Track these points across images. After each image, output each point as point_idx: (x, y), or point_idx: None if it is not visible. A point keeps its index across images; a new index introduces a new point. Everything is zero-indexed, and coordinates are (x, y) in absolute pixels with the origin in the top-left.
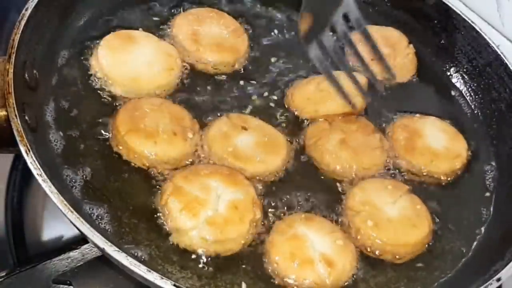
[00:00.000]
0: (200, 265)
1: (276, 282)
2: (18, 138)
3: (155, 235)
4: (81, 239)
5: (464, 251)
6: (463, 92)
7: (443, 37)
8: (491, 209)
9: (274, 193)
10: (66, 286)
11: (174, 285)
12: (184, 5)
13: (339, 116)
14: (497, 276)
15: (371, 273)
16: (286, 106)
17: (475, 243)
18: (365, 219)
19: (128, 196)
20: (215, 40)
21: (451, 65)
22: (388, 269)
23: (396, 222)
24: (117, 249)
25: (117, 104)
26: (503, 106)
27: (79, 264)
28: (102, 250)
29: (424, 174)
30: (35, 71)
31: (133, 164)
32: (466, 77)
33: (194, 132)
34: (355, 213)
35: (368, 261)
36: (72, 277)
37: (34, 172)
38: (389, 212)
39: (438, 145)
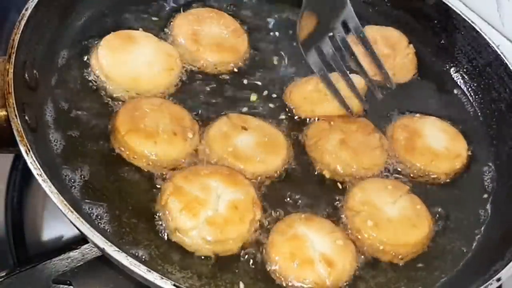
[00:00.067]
0: (200, 265)
1: (276, 282)
2: (18, 138)
3: (155, 235)
4: (81, 239)
5: (464, 251)
6: (463, 92)
7: (443, 37)
8: (491, 209)
9: (274, 193)
10: (66, 286)
11: (174, 285)
12: (184, 5)
13: (336, 117)
14: (497, 276)
15: (371, 273)
16: (284, 102)
17: (475, 243)
18: (365, 219)
19: (128, 196)
20: (215, 40)
21: (451, 65)
22: (388, 269)
23: (396, 222)
24: (117, 249)
25: (117, 104)
26: (503, 106)
27: (79, 264)
28: (102, 250)
29: (424, 174)
30: (35, 71)
31: (133, 164)
32: (466, 77)
33: (194, 132)
34: (355, 213)
35: (368, 261)
36: (72, 277)
37: (34, 172)
38: (389, 212)
39: (438, 145)
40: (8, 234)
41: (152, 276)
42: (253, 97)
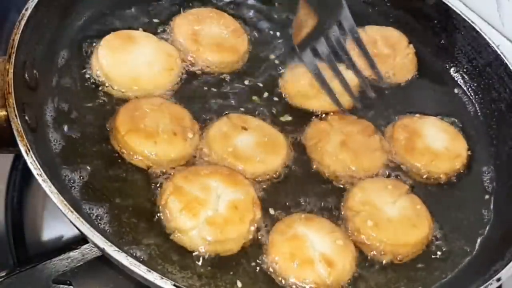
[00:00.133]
0: (200, 265)
1: (276, 282)
2: (18, 138)
3: (155, 235)
4: (81, 239)
5: (464, 251)
6: (463, 92)
7: (443, 37)
8: (491, 209)
9: (274, 193)
10: (66, 286)
11: (174, 285)
12: (184, 5)
13: (337, 117)
14: (497, 276)
15: (371, 273)
16: (284, 102)
17: (475, 243)
18: (365, 219)
19: (128, 196)
20: (215, 40)
21: (451, 65)
22: (388, 269)
23: (396, 222)
24: (117, 249)
25: (117, 104)
26: (503, 106)
27: (79, 264)
28: (102, 250)
29: (424, 174)
30: (35, 71)
31: (133, 164)
32: (466, 77)
33: (194, 132)
34: (355, 213)
35: (368, 261)
36: (72, 277)
37: (34, 172)
38: (389, 212)
39: (438, 145)
40: (8, 234)
41: (152, 276)
42: (253, 97)
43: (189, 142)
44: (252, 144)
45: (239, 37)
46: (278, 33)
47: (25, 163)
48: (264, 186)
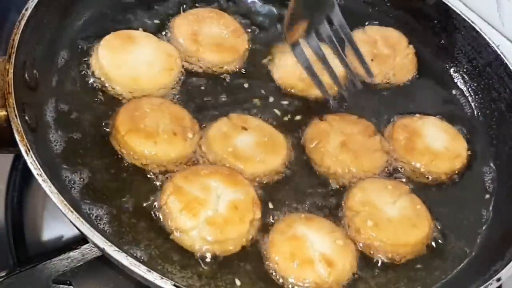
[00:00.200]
0: (200, 265)
1: (276, 282)
2: (18, 138)
3: (155, 235)
4: (81, 239)
5: (464, 251)
6: (463, 92)
7: (443, 37)
8: (491, 209)
9: (274, 193)
10: (66, 286)
11: (174, 285)
12: (184, 5)
13: (337, 117)
14: (497, 276)
15: (371, 273)
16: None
17: (475, 243)
18: (365, 219)
19: (128, 196)
20: (215, 40)
21: (451, 65)
22: (388, 269)
23: (396, 222)
24: (117, 249)
25: (117, 104)
26: (503, 106)
27: (79, 264)
28: (102, 250)
29: (424, 174)
30: (35, 71)
31: (133, 164)
32: (466, 77)
33: (194, 132)
34: (355, 213)
35: (368, 261)
36: (72, 277)
37: (34, 172)
38: (389, 212)
39: (438, 145)
40: (8, 234)
41: (152, 276)
42: (253, 97)
43: (189, 142)
44: (252, 144)
45: (239, 37)
46: (278, 32)
47: (25, 163)
48: (264, 186)
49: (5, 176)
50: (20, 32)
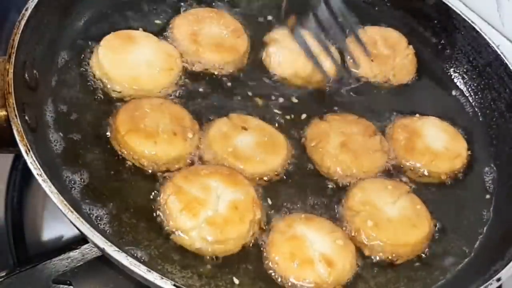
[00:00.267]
0: (200, 265)
1: (276, 282)
2: (18, 138)
3: (155, 235)
4: (81, 239)
5: (464, 251)
6: (463, 92)
7: (443, 37)
8: (491, 209)
9: (274, 193)
10: (66, 286)
11: (174, 285)
12: (184, 5)
13: (337, 117)
14: (497, 276)
15: (371, 273)
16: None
17: (475, 243)
18: (365, 219)
19: (128, 196)
20: (215, 40)
21: (451, 65)
22: (388, 269)
23: (396, 222)
24: (117, 249)
25: (117, 104)
26: (503, 106)
27: (79, 264)
28: (102, 250)
29: (424, 174)
30: (35, 71)
31: (133, 164)
32: (466, 77)
33: (194, 132)
34: (355, 213)
35: (368, 261)
36: (72, 277)
37: (34, 172)
38: (389, 212)
39: (438, 145)
40: (8, 234)
41: (152, 276)
42: (253, 97)
43: (189, 142)
44: (252, 144)
45: (239, 37)
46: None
47: (25, 163)
48: (264, 186)
49: (5, 176)
50: (20, 32)
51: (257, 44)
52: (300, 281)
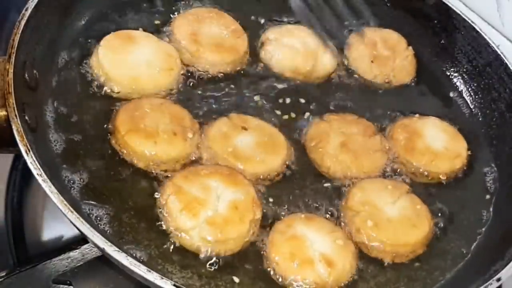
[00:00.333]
0: (200, 265)
1: (276, 282)
2: (18, 138)
3: (155, 235)
4: (81, 239)
5: (464, 251)
6: (463, 92)
7: (443, 37)
8: (491, 209)
9: (274, 193)
10: (66, 286)
11: (174, 285)
12: (184, 5)
13: (338, 117)
14: (497, 276)
15: (371, 273)
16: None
17: (475, 243)
18: (365, 219)
19: (128, 196)
20: (215, 40)
21: (451, 65)
22: (388, 269)
23: (396, 222)
24: (117, 249)
25: (117, 104)
26: (503, 106)
27: (79, 264)
28: (102, 250)
29: (424, 174)
30: (35, 71)
31: (133, 164)
32: (466, 77)
33: (194, 132)
34: (355, 213)
35: (368, 261)
36: (72, 277)
37: (34, 172)
38: (389, 212)
39: (438, 145)
40: (8, 234)
41: (152, 276)
42: (253, 97)
43: (189, 142)
44: (252, 144)
45: (239, 37)
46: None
47: (25, 163)
48: (264, 186)
49: (5, 176)
50: (20, 32)
51: (256, 44)
52: (300, 281)
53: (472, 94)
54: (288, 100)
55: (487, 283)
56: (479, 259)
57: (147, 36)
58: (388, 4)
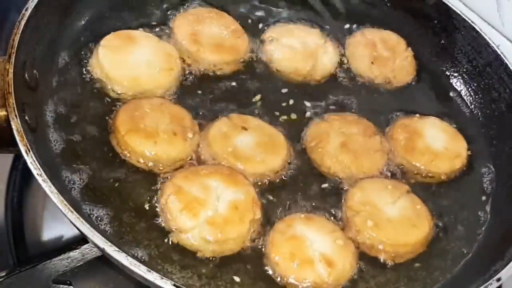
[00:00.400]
0: (200, 265)
1: (276, 282)
2: (18, 138)
3: (155, 235)
4: (81, 239)
5: (464, 251)
6: (463, 92)
7: (443, 37)
8: (491, 209)
9: (274, 193)
10: (66, 286)
11: (174, 285)
12: (184, 5)
13: (337, 117)
14: (497, 276)
15: (371, 273)
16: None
17: (475, 243)
18: (365, 219)
19: (128, 196)
20: (215, 40)
21: (451, 65)
22: (388, 269)
23: (396, 222)
24: (117, 249)
25: (117, 104)
26: (503, 106)
27: (79, 264)
28: (102, 250)
29: (424, 174)
30: (35, 71)
31: (133, 164)
32: (466, 77)
33: (194, 132)
34: (355, 213)
35: (368, 261)
36: (72, 277)
37: (34, 172)
38: (389, 212)
39: (438, 145)
40: (8, 234)
41: (152, 276)
42: (253, 97)
43: (189, 142)
44: (252, 144)
45: (239, 37)
46: None
47: (25, 163)
48: (264, 186)
49: (5, 176)
50: (20, 32)
51: (256, 44)
52: (300, 281)
53: (472, 94)
54: (288, 100)
55: (487, 283)
56: (479, 259)
57: (147, 36)
58: (388, 4)
